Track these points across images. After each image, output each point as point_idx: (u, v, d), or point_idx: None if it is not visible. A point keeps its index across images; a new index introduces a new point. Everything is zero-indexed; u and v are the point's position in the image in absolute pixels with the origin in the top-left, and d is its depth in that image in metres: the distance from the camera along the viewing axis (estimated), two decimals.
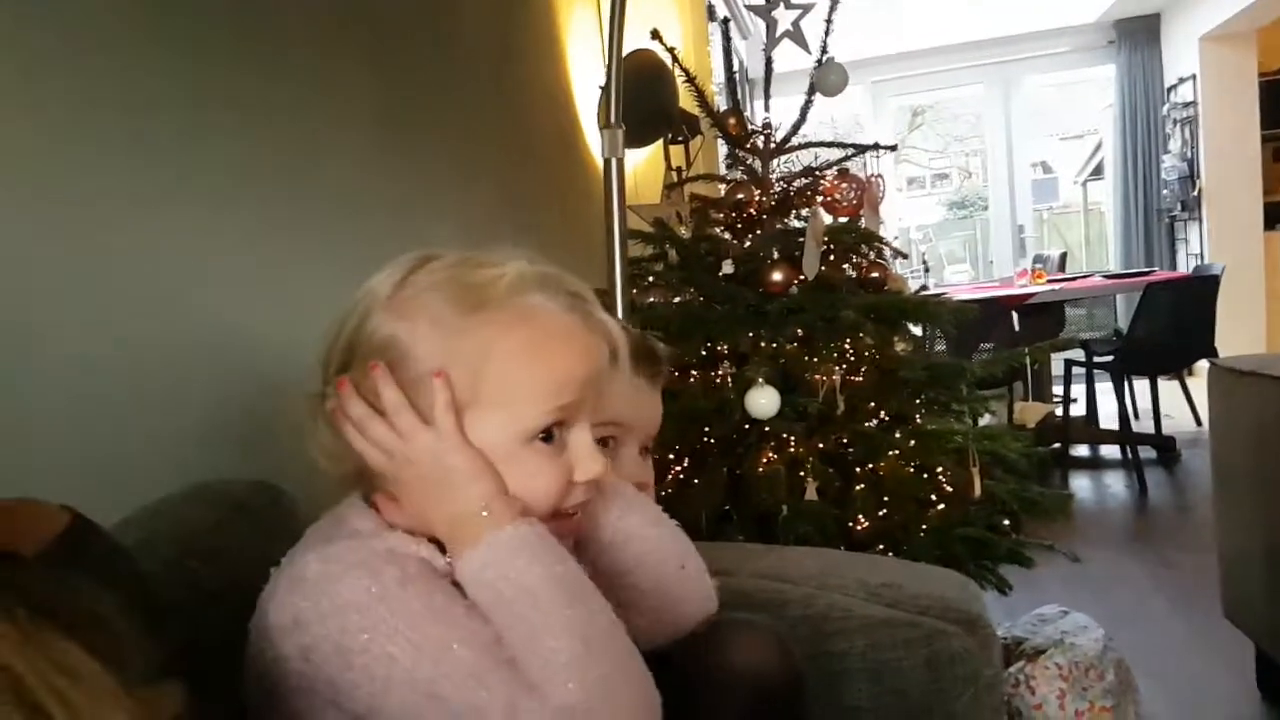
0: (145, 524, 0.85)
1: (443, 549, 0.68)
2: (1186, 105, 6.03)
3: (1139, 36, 6.41)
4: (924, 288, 2.85)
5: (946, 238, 9.48)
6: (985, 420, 1.92)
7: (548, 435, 0.70)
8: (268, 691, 0.65)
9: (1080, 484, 4.03)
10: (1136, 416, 4.36)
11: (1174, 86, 6.25)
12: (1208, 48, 5.77)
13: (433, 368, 0.67)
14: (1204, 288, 4.09)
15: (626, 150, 2.61)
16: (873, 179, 1.91)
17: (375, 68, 1.56)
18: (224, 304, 1.15)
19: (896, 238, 6.38)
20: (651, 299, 1.81)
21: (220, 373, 1.12)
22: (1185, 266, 6.11)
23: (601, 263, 1.40)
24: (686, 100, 2.07)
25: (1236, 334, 4.98)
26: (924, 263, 6.19)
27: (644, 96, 2.22)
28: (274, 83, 1.29)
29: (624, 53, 1.91)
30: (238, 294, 1.17)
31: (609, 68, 1.40)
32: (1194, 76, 5.91)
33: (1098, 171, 7.88)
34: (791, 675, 0.80)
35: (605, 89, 1.53)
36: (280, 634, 0.63)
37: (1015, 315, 4.12)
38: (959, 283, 6.85)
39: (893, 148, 1.96)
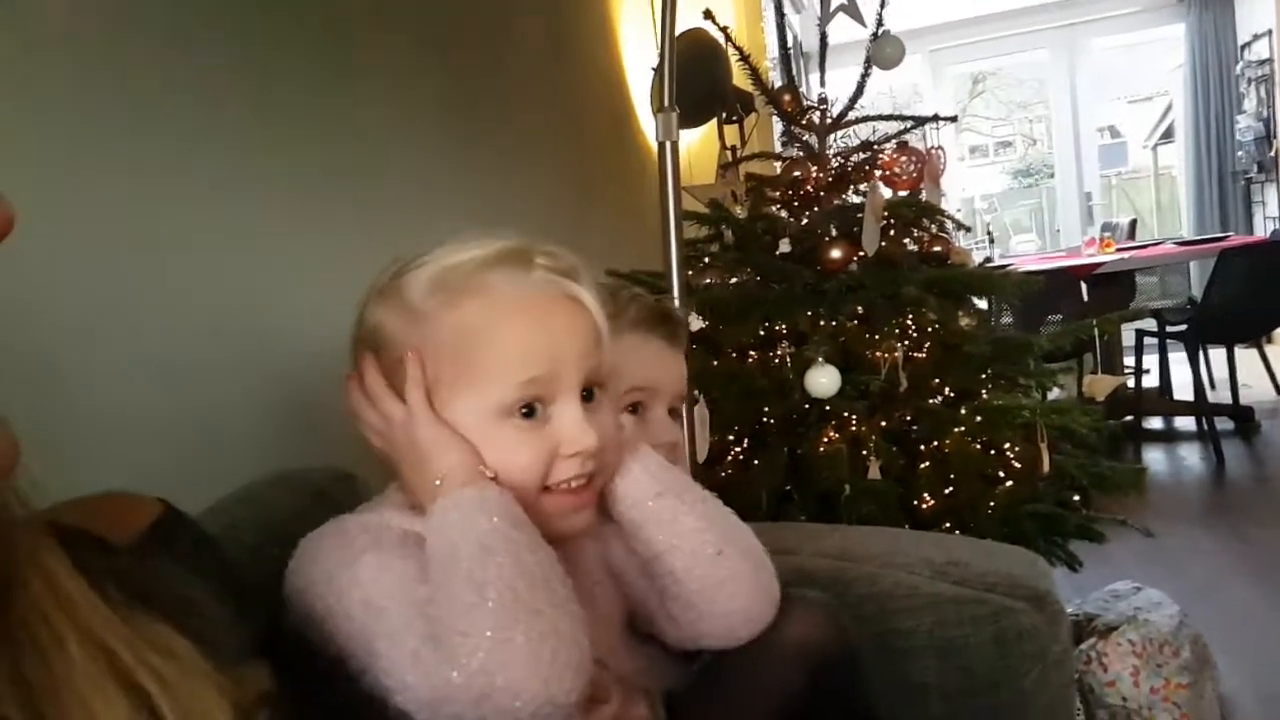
0: (231, 511, 0.88)
1: None
2: (1262, 63, 5.78)
3: None
4: (988, 260, 2.79)
5: (1011, 207, 9.24)
6: (1054, 394, 1.88)
7: (529, 410, 0.70)
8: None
9: (1154, 457, 3.93)
10: (1213, 387, 4.21)
11: (1248, 44, 5.99)
12: None
13: (405, 350, 0.70)
14: None
15: (680, 132, 2.60)
16: (933, 151, 1.87)
17: (438, 61, 1.58)
18: (306, 295, 1.19)
19: (959, 210, 6.25)
20: (708, 280, 1.81)
21: (300, 363, 1.16)
22: (1262, 230, 5.88)
23: (657, 245, 1.40)
24: (740, 78, 2.06)
25: None
26: (988, 234, 6.06)
27: (697, 77, 2.21)
28: (341, 80, 1.32)
29: (676, 34, 1.91)
30: (318, 285, 1.21)
31: (661, 50, 1.40)
32: (1269, 32, 5.66)
33: (1168, 134, 7.61)
34: (845, 649, 0.79)
35: (658, 71, 1.53)
36: (288, 604, 0.67)
37: (1084, 285, 4.01)
38: (1025, 253, 6.69)
39: (953, 119, 1.92)
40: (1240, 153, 6.02)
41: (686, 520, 0.77)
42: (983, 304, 2.15)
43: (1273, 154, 5.71)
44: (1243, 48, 6.05)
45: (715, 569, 0.76)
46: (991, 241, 5.87)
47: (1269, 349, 4.57)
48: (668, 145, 1.33)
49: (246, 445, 1.07)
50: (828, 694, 0.76)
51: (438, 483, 0.67)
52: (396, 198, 1.42)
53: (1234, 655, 1.92)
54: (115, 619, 0.43)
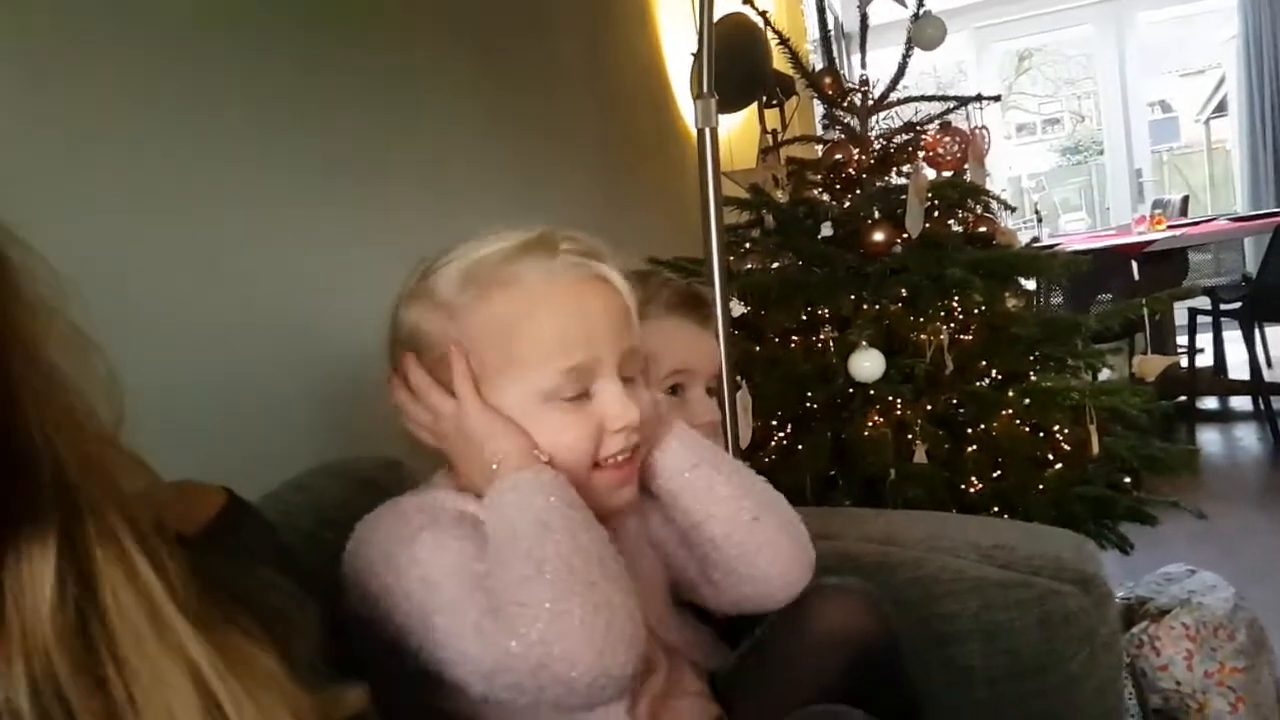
0: (285, 499, 0.91)
1: None
2: None
3: None
4: (1035, 240, 2.75)
5: (1060, 185, 9.05)
6: (1104, 375, 1.85)
7: (573, 392, 0.72)
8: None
9: (1209, 438, 3.84)
10: (1270, 365, 4.10)
11: None
12: None
13: (447, 347, 0.72)
14: None
15: (720, 117, 2.59)
16: (976, 130, 1.85)
17: (475, 48, 1.60)
18: (360, 293, 1.21)
19: (1004, 190, 6.15)
20: (749, 266, 1.81)
21: (353, 357, 1.19)
22: None
23: (697, 232, 1.40)
24: (780, 61, 2.05)
25: None
26: (1036, 213, 5.95)
27: (736, 61, 2.20)
28: (383, 71, 1.34)
29: (715, 19, 1.90)
30: (372, 283, 1.23)
31: (700, 36, 1.39)
32: None
33: (1221, 108, 7.39)
34: (886, 636, 0.80)
35: (697, 57, 1.52)
36: (345, 583, 0.69)
37: (1134, 264, 3.93)
38: (1074, 232, 6.55)
39: (996, 98, 1.89)
40: None
41: (722, 489, 0.80)
42: (1030, 284, 2.12)
43: None
44: None
45: (752, 534, 0.79)
46: (1039, 221, 5.76)
47: None
48: (707, 132, 1.32)
49: (297, 437, 1.10)
50: (868, 681, 0.77)
51: (494, 466, 0.69)
52: (438, 191, 1.44)
53: None
54: (194, 626, 0.43)
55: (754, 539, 0.79)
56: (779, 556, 0.79)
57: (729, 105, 2.32)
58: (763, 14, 1.90)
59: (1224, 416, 4.10)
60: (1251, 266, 5.28)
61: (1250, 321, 3.82)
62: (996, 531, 1.14)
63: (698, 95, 1.36)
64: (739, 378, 1.55)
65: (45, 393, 0.40)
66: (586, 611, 0.61)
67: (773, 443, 1.70)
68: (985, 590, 1.02)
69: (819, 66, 1.95)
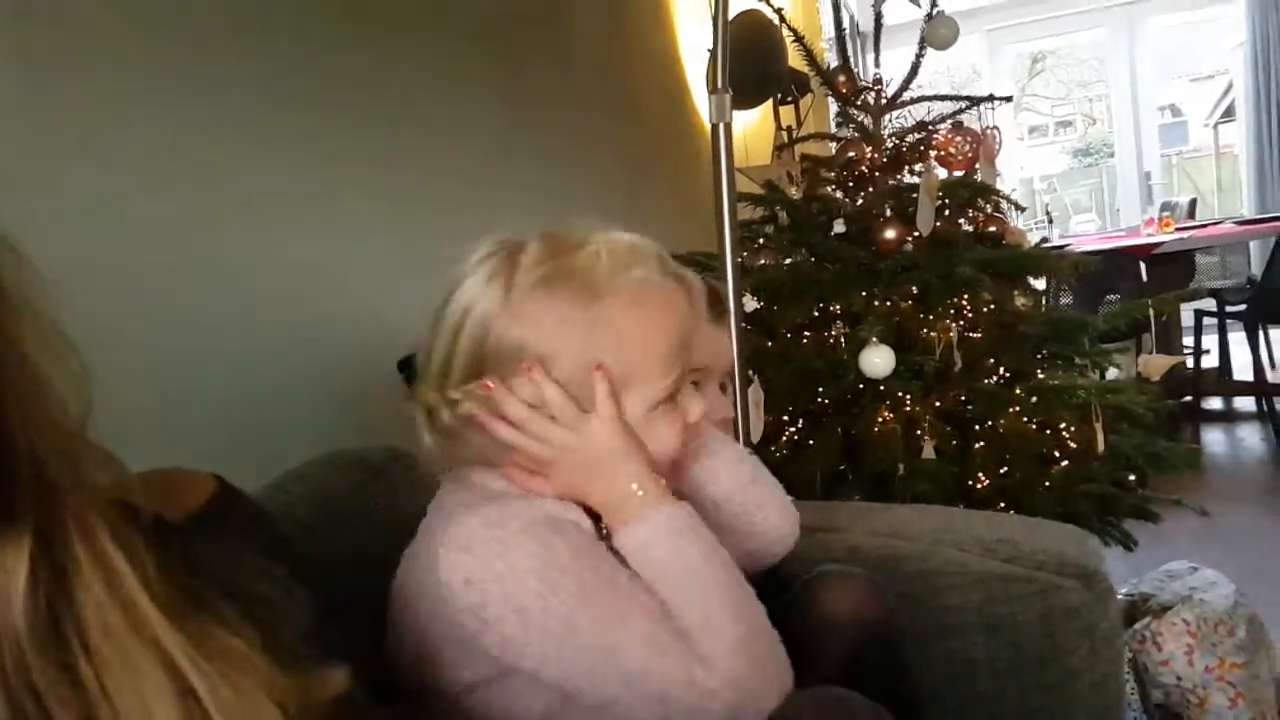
0: (287, 488, 0.92)
1: (590, 514, 0.73)
2: None
3: None
4: (1044, 240, 2.77)
5: (1072, 187, 9.07)
6: (1112, 374, 1.87)
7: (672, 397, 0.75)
8: (432, 645, 0.70)
9: (1213, 438, 3.86)
10: (1273, 366, 4.12)
11: None
12: None
13: (580, 364, 0.71)
14: None
15: (735, 113, 2.61)
16: (988, 131, 1.87)
17: (492, 43, 1.62)
18: (368, 286, 1.24)
19: (1014, 190, 6.14)
20: (762, 261, 1.83)
21: (362, 348, 1.21)
22: None
23: (711, 226, 1.42)
24: (795, 59, 2.07)
25: None
26: (1047, 214, 5.95)
27: (752, 58, 2.22)
28: (398, 65, 1.36)
29: (731, 16, 1.92)
30: (380, 276, 1.26)
31: (716, 32, 1.41)
32: None
33: (1229, 113, 7.38)
34: (888, 622, 0.84)
35: (712, 53, 1.54)
36: (450, 591, 0.67)
37: (1142, 265, 3.94)
38: (1085, 233, 6.54)
39: (1008, 99, 1.91)
40: None
41: (725, 452, 0.87)
42: (1040, 284, 2.14)
43: None
44: None
45: (749, 494, 0.86)
46: (1050, 221, 5.76)
47: None
48: (721, 127, 1.35)
49: (301, 425, 1.11)
50: (870, 666, 0.80)
51: (637, 489, 0.72)
52: (451, 183, 1.46)
53: None
54: (169, 614, 0.43)
55: (752, 498, 0.86)
56: (772, 513, 0.87)
57: (744, 102, 2.34)
58: (778, 11, 1.92)
59: (1228, 417, 4.12)
60: (1257, 269, 5.28)
61: (1254, 323, 3.84)
62: (1001, 526, 1.16)
63: (712, 90, 1.39)
64: (751, 373, 1.58)
65: (22, 389, 0.40)
66: (768, 646, 0.68)
67: (784, 437, 1.72)
68: (988, 584, 1.05)
69: (834, 65, 1.97)
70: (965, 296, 1.71)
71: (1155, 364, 1.71)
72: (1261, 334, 3.90)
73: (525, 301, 0.71)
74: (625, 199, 2.07)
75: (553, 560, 0.66)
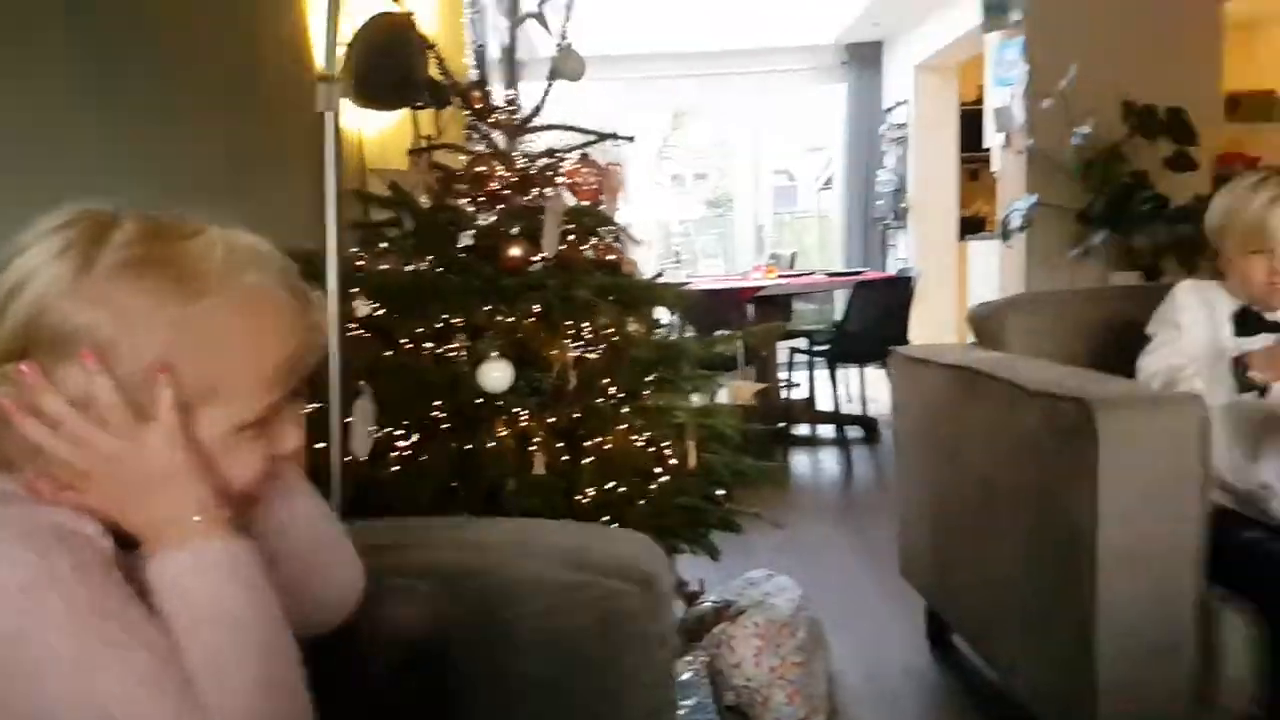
0: None
1: (115, 533, 0.63)
2: (900, 126, 6.72)
3: (865, 61, 7.07)
4: (659, 274, 2.97)
5: (703, 233, 10.07)
6: (720, 397, 2.04)
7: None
8: None
9: (800, 460, 4.42)
10: (850, 400, 4.81)
11: (891, 109, 6.93)
12: (921, 76, 6.44)
13: (150, 362, 0.61)
14: (903, 288, 4.59)
15: (373, 113, 2.50)
16: (611, 166, 1.97)
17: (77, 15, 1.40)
18: None
19: (631, 224, 6.62)
20: (384, 265, 1.77)
21: None
22: (894, 269, 6.81)
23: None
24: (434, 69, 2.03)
25: (934, 329, 5.62)
26: (676, 254, 6.46)
27: (390, 60, 2.15)
28: None
29: (372, 15, 1.85)
30: None
31: (328, 19, 1.36)
32: (907, 101, 6.59)
33: (829, 182, 8.59)
34: (437, 634, 0.83)
35: (328, 40, 1.48)
36: None
37: (750, 306, 4.42)
38: (709, 274, 7.26)
39: (630, 138, 2.03)
40: (880, 201, 6.95)
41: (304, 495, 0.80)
42: (666, 316, 2.29)
43: (904, 205, 6.65)
44: (887, 111, 6.99)
45: (320, 545, 0.80)
46: (678, 262, 6.28)
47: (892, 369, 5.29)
48: (328, 116, 1.29)
49: None
50: (417, 678, 0.79)
51: (195, 517, 0.63)
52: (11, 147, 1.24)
53: (847, 634, 2.19)
54: None
55: (321, 556, 0.79)
56: (344, 571, 0.81)
57: (382, 103, 2.27)
58: (407, 15, 1.89)
59: (813, 442, 4.74)
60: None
61: (834, 362, 4.48)
62: (579, 536, 1.20)
63: (321, 78, 1.32)
64: (361, 383, 1.51)
65: None
66: (291, 703, 0.62)
67: (394, 452, 1.66)
68: (554, 593, 1.07)
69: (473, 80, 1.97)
70: (584, 318, 1.77)
71: (743, 390, 1.90)
72: (842, 371, 4.56)
73: (103, 283, 0.61)
74: (228, 181, 1.89)
75: (50, 577, 0.56)
